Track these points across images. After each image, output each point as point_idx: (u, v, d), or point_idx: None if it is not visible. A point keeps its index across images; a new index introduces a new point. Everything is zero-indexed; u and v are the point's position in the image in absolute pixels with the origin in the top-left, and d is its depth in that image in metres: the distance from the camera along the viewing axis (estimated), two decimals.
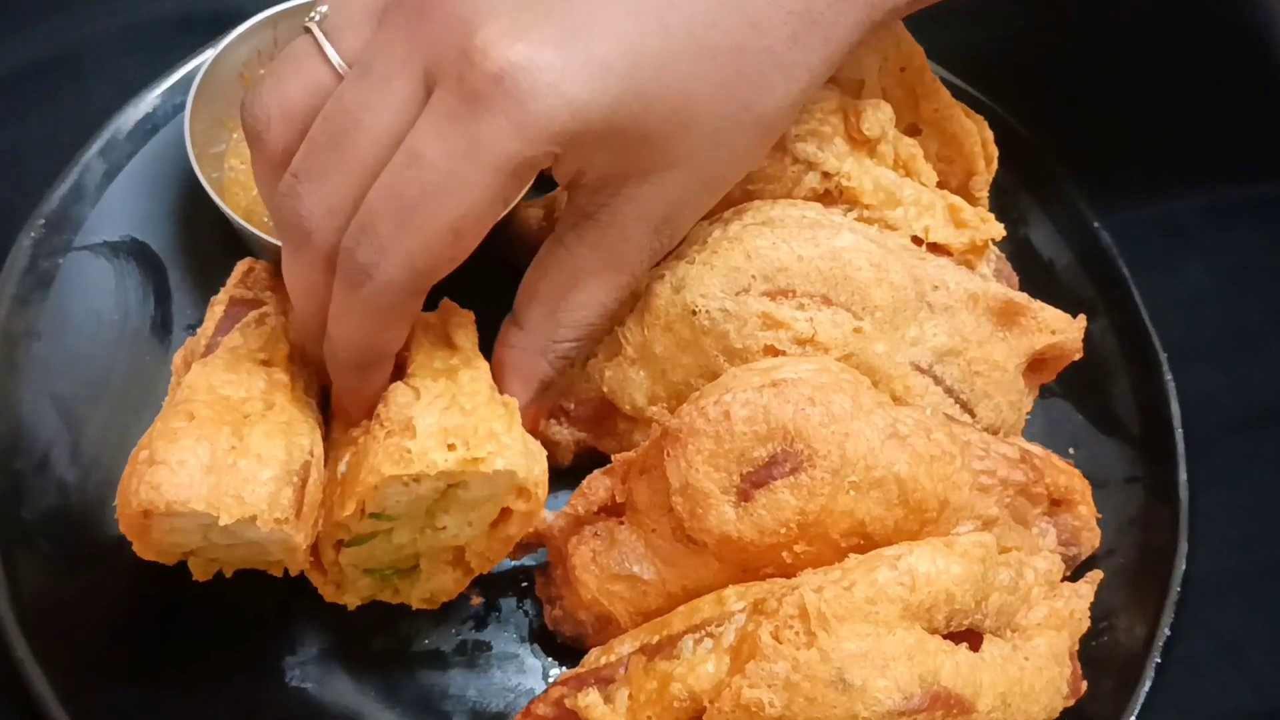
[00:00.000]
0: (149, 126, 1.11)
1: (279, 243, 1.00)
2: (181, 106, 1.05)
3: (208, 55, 1.07)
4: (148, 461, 0.80)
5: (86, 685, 0.90)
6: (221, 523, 0.79)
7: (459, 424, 0.84)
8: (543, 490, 0.86)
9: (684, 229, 0.92)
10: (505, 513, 0.88)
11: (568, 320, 0.92)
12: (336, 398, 0.91)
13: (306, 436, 0.86)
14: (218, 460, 0.80)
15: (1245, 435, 1.12)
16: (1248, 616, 1.04)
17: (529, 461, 0.84)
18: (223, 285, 1.00)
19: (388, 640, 0.97)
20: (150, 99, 1.11)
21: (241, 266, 0.97)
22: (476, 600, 0.99)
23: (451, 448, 0.82)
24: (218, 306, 0.94)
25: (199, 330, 0.94)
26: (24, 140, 1.12)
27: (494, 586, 0.99)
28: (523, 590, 1.00)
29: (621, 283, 0.91)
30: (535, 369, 0.93)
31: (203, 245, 1.09)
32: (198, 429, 0.81)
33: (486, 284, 1.12)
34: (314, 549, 0.88)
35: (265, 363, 0.90)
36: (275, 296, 0.95)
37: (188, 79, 1.09)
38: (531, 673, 0.97)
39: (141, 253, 1.08)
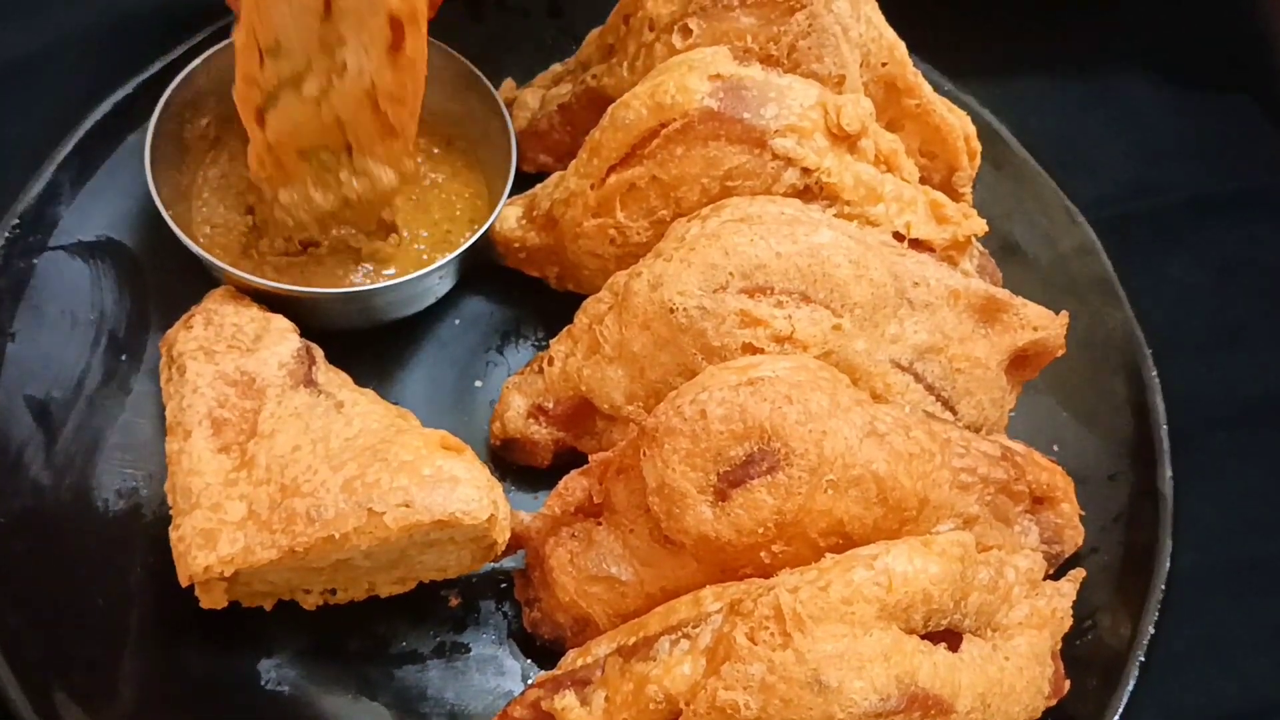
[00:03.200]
0: (123, 126, 1.10)
1: (235, 270, 1.00)
2: (156, 102, 1.04)
3: (182, 60, 1.06)
4: (449, 480, 0.86)
5: (58, 687, 0.89)
6: (499, 538, 0.89)
7: None
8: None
9: None
10: None
11: None
12: None
13: None
14: (490, 479, 0.89)
15: (1230, 431, 1.12)
16: (1232, 613, 1.03)
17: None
18: (197, 286, 1.00)
19: (365, 642, 0.96)
20: (124, 98, 1.10)
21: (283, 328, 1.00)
22: (455, 602, 0.98)
23: None
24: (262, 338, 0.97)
25: (270, 356, 0.96)
26: None
27: (473, 588, 0.99)
28: (501, 592, 0.99)
29: None
30: None
31: (179, 244, 1.08)
32: (456, 454, 0.89)
33: (470, 283, 1.12)
34: None
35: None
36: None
37: (161, 77, 1.08)
38: (510, 674, 0.96)
39: (117, 252, 1.07)
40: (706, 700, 0.76)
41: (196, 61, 1.05)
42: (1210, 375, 1.14)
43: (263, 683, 0.93)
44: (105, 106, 1.10)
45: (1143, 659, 0.97)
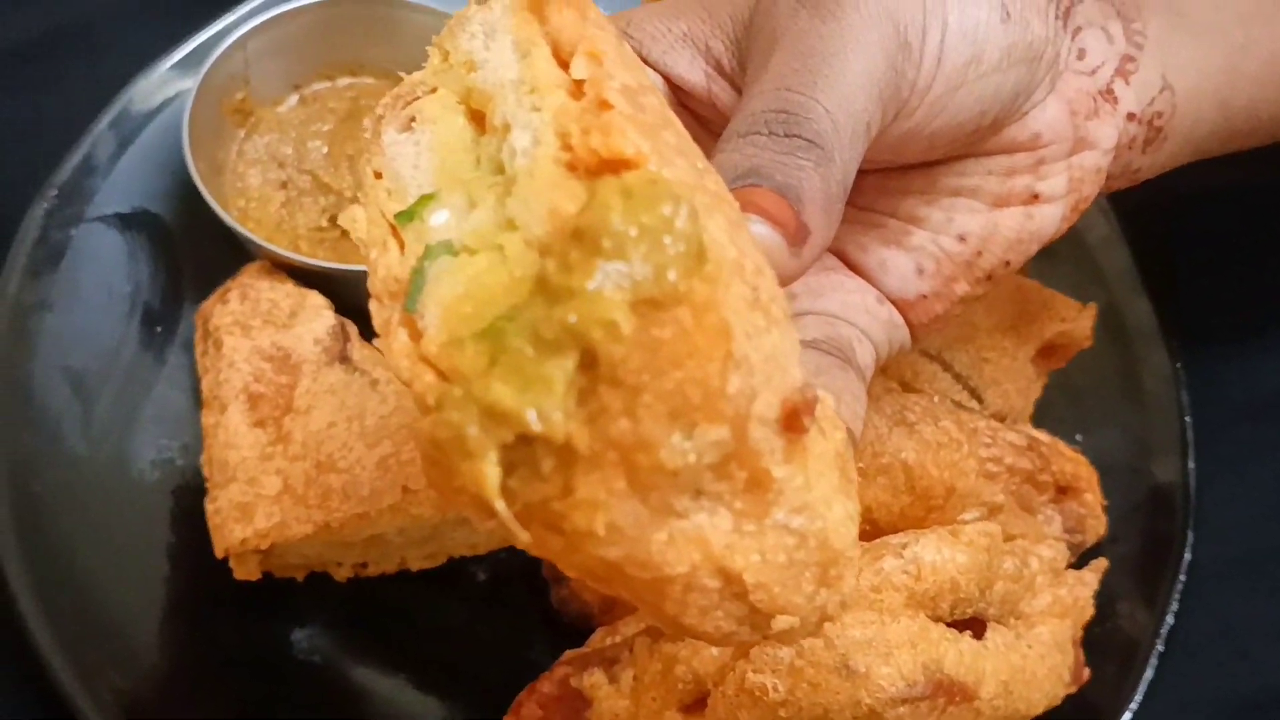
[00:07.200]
0: (160, 98, 1.10)
1: (271, 246, 1.01)
2: (194, 76, 1.04)
3: (219, 35, 1.07)
4: None
5: (95, 655, 0.91)
6: None
7: None
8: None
9: None
10: None
11: None
12: None
13: None
14: None
15: (1253, 422, 1.12)
16: (1251, 603, 1.04)
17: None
18: (231, 260, 1.01)
19: (395, 614, 0.97)
20: (162, 71, 1.11)
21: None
22: (484, 578, 0.99)
23: None
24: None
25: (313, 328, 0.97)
26: (35, 111, 1.12)
27: (501, 565, 1.00)
28: (530, 569, 1.00)
29: None
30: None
31: (214, 218, 1.09)
32: None
33: None
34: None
35: None
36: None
37: (200, 51, 1.08)
38: (537, 650, 0.97)
39: (153, 224, 1.08)
40: (735, 682, 0.77)
41: (235, 36, 1.05)
42: (1235, 368, 1.14)
43: (294, 652, 0.95)
44: (141, 81, 1.10)
45: (1161, 648, 0.98)
